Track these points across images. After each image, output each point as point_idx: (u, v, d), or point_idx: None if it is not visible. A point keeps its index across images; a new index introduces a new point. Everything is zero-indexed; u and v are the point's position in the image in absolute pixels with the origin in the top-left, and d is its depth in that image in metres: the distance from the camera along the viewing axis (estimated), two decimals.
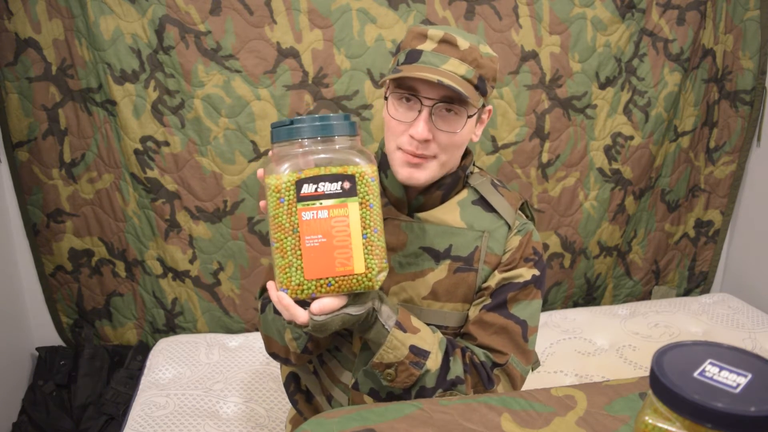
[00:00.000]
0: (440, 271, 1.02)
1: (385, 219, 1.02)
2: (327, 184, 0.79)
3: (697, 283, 2.37)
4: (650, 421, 0.56)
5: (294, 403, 1.18)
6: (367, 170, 0.81)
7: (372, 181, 0.81)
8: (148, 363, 1.76)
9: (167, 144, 1.83)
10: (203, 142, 1.83)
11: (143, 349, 1.96)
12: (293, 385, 1.19)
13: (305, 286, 0.80)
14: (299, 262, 0.79)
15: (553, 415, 0.88)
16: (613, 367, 1.79)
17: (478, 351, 1.01)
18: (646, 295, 2.33)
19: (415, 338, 0.94)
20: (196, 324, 1.99)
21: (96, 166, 1.87)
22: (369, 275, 0.81)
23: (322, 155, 0.80)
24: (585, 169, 2.08)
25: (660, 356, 0.58)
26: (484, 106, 1.00)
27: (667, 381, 0.55)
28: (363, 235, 0.80)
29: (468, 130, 0.98)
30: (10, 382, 1.86)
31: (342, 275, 0.80)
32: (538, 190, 2.06)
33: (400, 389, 0.94)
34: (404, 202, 1.03)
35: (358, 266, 0.80)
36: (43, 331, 2.02)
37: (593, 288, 2.24)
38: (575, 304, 2.26)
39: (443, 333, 1.03)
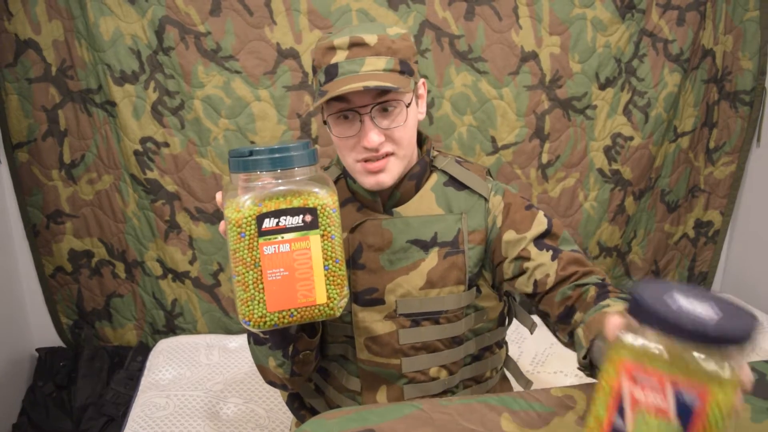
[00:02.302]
0: (431, 260, 1.03)
1: (364, 221, 1.03)
2: (288, 218, 0.79)
3: (697, 283, 2.37)
4: (630, 340, 0.57)
5: (301, 418, 1.17)
6: (328, 201, 0.80)
7: (333, 213, 0.81)
8: (148, 364, 1.76)
9: (167, 145, 1.83)
10: (203, 143, 1.83)
11: (143, 350, 1.95)
12: (297, 402, 1.19)
13: (267, 318, 0.81)
14: (261, 295, 0.80)
15: (553, 415, 0.88)
16: None
17: (590, 279, 0.97)
18: None
19: None
20: (196, 325, 1.98)
21: (96, 167, 1.87)
22: (331, 304, 0.83)
23: (282, 188, 0.79)
24: (585, 169, 2.08)
25: (637, 287, 0.61)
26: (415, 84, 1.00)
27: (648, 300, 0.57)
28: (324, 266, 0.81)
29: (412, 116, 0.98)
30: (10, 382, 1.86)
31: (304, 306, 0.81)
32: (538, 190, 2.06)
33: None
34: (377, 202, 1.03)
35: (320, 297, 0.81)
36: (43, 331, 2.02)
37: None
38: None
39: (443, 317, 1.04)
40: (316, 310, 0.82)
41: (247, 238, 0.78)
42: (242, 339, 1.88)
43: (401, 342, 1.04)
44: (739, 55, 2.11)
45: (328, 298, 0.82)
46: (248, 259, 0.79)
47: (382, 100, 0.93)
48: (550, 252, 0.99)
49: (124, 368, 1.92)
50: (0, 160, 1.83)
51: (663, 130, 2.09)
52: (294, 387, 1.05)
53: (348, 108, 0.93)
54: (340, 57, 0.92)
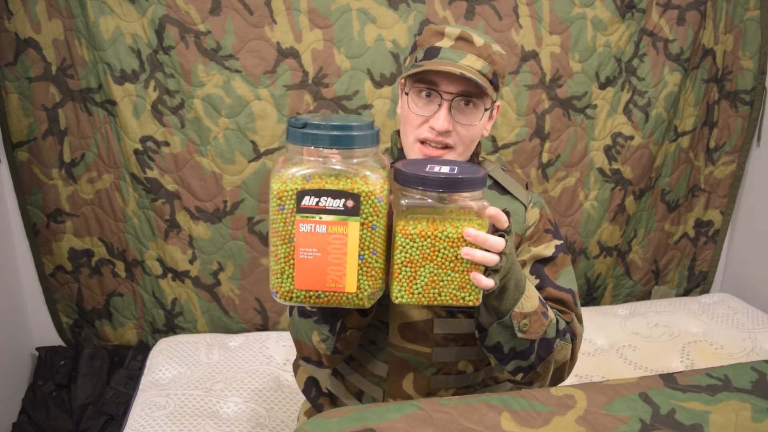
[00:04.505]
0: None
1: None
2: (329, 199, 0.77)
3: (697, 283, 2.37)
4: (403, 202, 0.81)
5: (319, 407, 1.17)
6: (375, 189, 0.77)
7: (379, 202, 0.78)
8: (148, 363, 1.76)
9: (167, 144, 1.83)
10: (203, 142, 1.83)
11: (143, 349, 1.95)
12: (314, 390, 1.18)
13: (294, 294, 0.80)
14: (291, 270, 0.79)
15: (553, 415, 0.89)
16: (613, 367, 1.79)
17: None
18: (646, 295, 2.33)
19: (536, 290, 0.97)
20: (196, 324, 1.98)
21: (96, 166, 1.87)
22: (360, 295, 0.81)
23: (336, 166, 0.77)
24: (585, 169, 2.08)
25: (398, 164, 0.85)
26: (496, 100, 1.05)
27: (406, 168, 0.82)
28: (360, 255, 0.79)
29: (483, 123, 1.03)
30: (10, 382, 1.86)
31: (332, 291, 0.80)
32: (538, 190, 2.06)
33: (528, 341, 0.94)
34: None
35: (350, 285, 0.80)
36: (43, 331, 2.02)
37: (593, 288, 2.24)
38: None
39: (470, 311, 1.06)
40: (344, 298, 0.81)
41: (285, 211, 0.77)
42: (242, 338, 1.88)
43: (435, 331, 1.05)
44: (740, 54, 2.11)
45: (358, 288, 0.80)
46: (283, 233, 0.78)
47: (466, 95, 0.98)
48: (538, 281, 1.04)
49: (124, 367, 1.92)
50: (0, 159, 1.83)
51: (663, 130, 2.09)
52: (331, 364, 1.06)
53: (433, 89, 0.98)
54: (445, 43, 0.99)
